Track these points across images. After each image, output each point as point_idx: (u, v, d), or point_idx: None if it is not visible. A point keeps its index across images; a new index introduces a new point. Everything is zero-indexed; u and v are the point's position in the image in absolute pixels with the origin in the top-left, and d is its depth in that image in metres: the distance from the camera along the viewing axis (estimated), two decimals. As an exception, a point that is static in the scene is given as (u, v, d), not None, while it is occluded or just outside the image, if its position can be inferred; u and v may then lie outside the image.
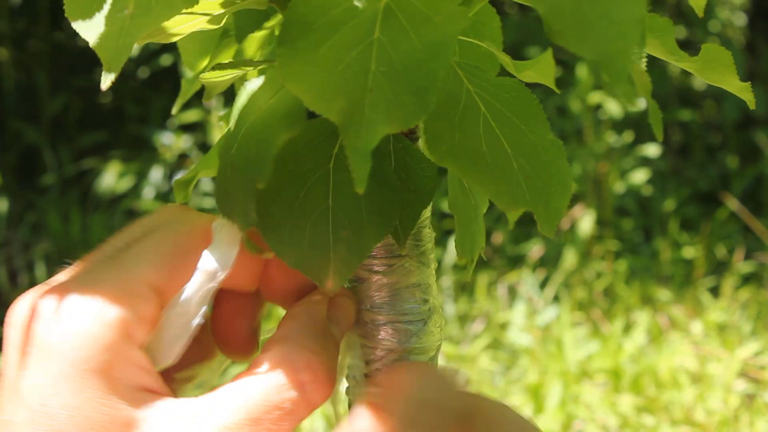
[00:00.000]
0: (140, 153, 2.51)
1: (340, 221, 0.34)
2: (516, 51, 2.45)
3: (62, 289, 0.34)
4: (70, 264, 0.37)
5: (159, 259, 0.35)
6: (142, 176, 2.43)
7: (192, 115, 2.30)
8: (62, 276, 0.36)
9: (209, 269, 0.36)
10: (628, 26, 0.25)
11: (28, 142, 2.62)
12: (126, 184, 2.42)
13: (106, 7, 0.30)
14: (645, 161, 2.52)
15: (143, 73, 2.65)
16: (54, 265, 2.32)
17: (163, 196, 2.42)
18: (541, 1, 0.25)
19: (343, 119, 0.28)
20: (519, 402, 1.73)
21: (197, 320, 0.36)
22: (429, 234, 0.38)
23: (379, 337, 0.37)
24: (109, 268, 0.35)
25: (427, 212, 0.38)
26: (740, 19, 2.98)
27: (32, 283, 2.23)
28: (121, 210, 2.41)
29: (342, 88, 0.28)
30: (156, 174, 2.43)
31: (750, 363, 1.83)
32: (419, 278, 0.38)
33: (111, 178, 2.42)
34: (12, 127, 2.64)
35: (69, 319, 0.33)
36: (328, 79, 0.28)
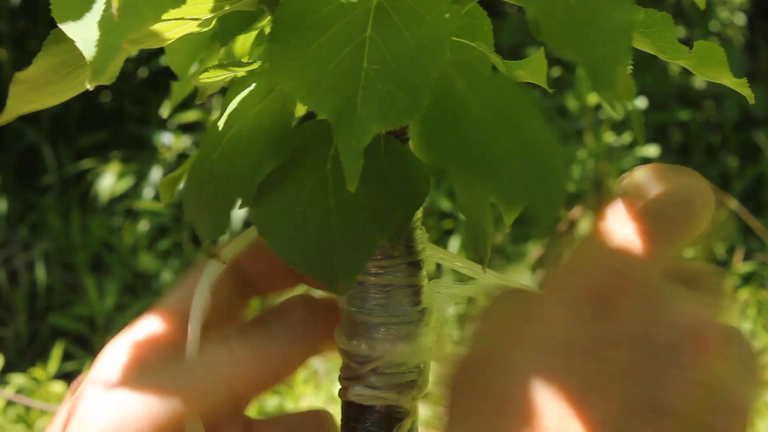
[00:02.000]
0: (140, 153, 2.51)
1: (345, 221, 0.33)
2: (515, 52, 2.45)
3: None
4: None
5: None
6: (142, 176, 2.42)
7: (192, 116, 2.30)
8: None
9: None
10: (618, 33, 0.26)
11: (28, 142, 2.62)
12: (126, 184, 2.42)
13: (94, 8, 0.30)
14: (645, 161, 2.52)
15: (143, 73, 2.65)
16: (54, 265, 2.32)
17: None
18: (533, 3, 0.25)
19: (335, 116, 0.28)
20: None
21: None
22: (421, 235, 0.38)
23: (372, 338, 0.38)
24: None
25: (419, 214, 0.38)
26: (740, 19, 2.98)
27: (32, 283, 2.22)
28: (122, 210, 2.41)
29: (334, 85, 0.28)
30: (156, 174, 2.43)
31: (750, 363, 1.82)
32: (411, 280, 0.38)
33: (111, 178, 2.42)
34: (12, 127, 2.64)
35: None
36: (320, 76, 0.28)
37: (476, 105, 0.31)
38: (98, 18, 0.30)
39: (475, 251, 0.39)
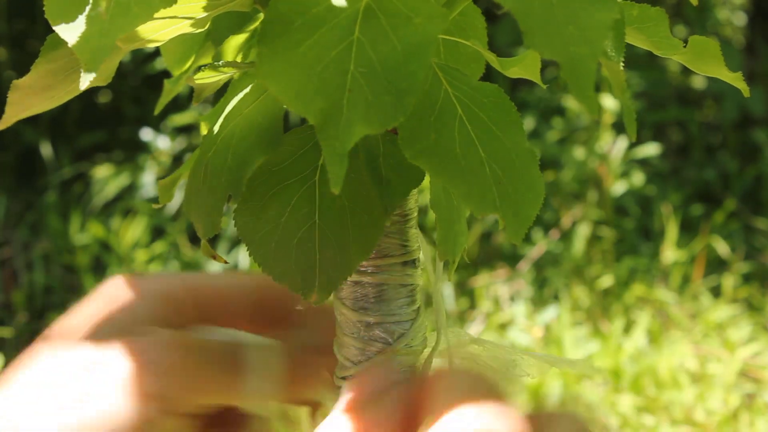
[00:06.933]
0: (138, 153, 2.51)
1: (327, 239, 0.34)
2: (512, 51, 2.45)
3: None
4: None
5: None
6: (137, 177, 2.42)
7: (187, 117, 2.30)
8: None
9: None
10: (597, 32, 0.25)
11: (26, 142, 2.62)
12: (124, 184, 2.41)
13: (86, 9, 0.30)
14: (644, 161, 2.52)
15: (141, 74, 2.65)
16: (53, 264, 2.32)
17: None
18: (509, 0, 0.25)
19: (321, 120, 0.27)
20: (519, 402, 1.73)
21: None
22: (416, 235, 0.38)
23: (368, 338, 0.37)
24: None
25: (414, 212, 0.38)
26: (740, 19, 2.97)
27: (32, 283, 2.21)
28: (120, 210, 2.40)
29: (321, 88, 0.28)
30: (152, 175, 2.43)
31: (750, 363, 1.83)
32: (407, 279, 0.38)
33: (109, 179, 2.42)
34: (11, 128, 2.62)
35: None
36: (307, 79, 0.28)
37: (459, 109, 0.30)
38: (90, 18, 0.30)
39: (443, 250, 0.38)
